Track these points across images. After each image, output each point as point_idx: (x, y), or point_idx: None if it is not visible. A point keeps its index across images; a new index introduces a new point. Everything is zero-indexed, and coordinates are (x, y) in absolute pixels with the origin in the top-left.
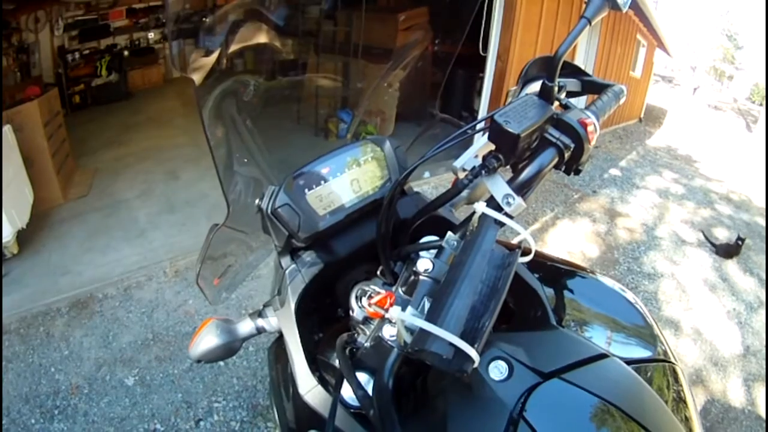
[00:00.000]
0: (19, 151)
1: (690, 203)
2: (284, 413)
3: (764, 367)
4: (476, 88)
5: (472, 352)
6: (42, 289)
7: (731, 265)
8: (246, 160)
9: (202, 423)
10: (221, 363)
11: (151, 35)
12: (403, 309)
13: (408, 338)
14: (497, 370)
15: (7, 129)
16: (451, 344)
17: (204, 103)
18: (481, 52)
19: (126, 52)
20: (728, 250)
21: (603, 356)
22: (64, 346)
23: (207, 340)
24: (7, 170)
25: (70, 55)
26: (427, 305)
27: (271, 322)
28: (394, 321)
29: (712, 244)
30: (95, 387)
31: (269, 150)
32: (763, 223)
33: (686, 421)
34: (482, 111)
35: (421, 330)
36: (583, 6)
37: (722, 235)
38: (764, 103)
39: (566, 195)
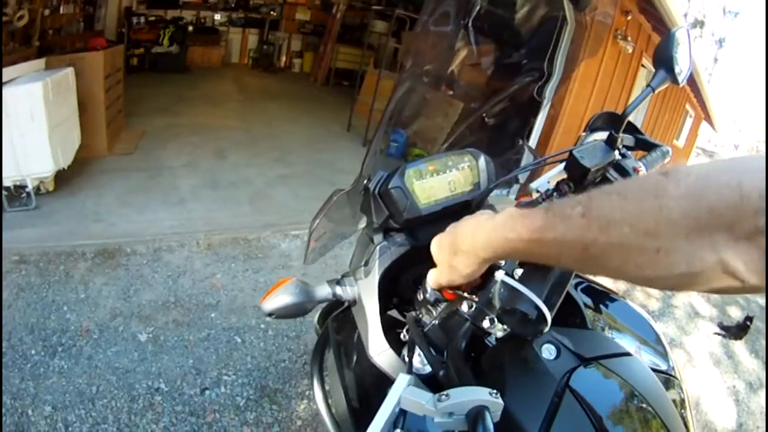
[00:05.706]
0: (77, 96)
1: None
2: (344, 376)
3: None
4: (525, 132)
5: (548, 316)
6: (70, 230)
7: (738, 344)
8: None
9: (207, 392)
10: (238, 339)
11: (217, 16)
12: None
13: (498, 303)
14: (548, 351)
15: (69, 71)
16: (536, 307)
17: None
18: (535, 96)
19: (190, 28)
20: (737, 333)
21: (629, 354)
22: (82, 289)
23: (283, 296)
24: (62, 109)
25: (135, 18)
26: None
27: (348, 290)
28: (474, 300)
29: (724, 334)
30: (105, 335)
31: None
32: None
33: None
34: (527, 155)
35: (513, 291)
36: (637, 68)
37: (735, 314)
38: None
39: None
